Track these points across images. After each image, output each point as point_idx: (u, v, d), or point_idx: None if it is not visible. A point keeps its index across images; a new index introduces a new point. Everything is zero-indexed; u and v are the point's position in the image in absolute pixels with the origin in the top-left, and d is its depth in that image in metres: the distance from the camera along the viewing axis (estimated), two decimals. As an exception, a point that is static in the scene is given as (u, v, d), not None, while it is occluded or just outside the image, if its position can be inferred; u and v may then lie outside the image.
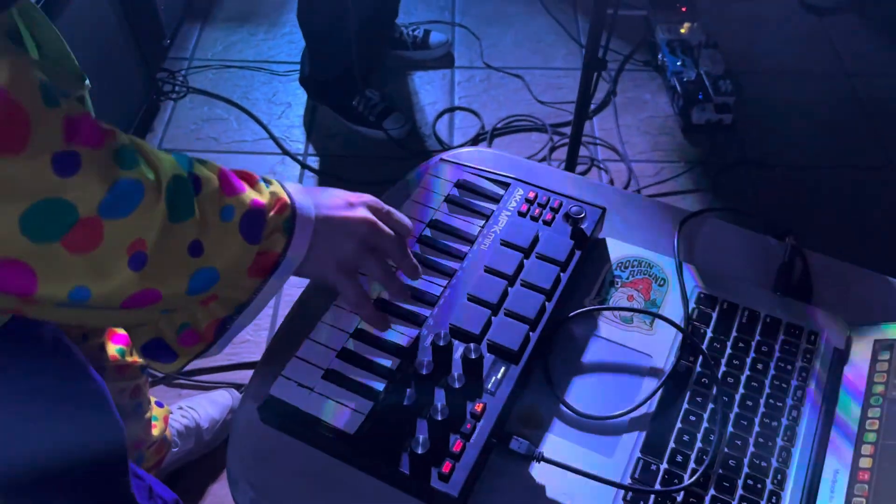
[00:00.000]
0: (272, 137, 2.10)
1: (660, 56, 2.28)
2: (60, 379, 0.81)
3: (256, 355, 1.60)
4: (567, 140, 2.12)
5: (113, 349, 1.08)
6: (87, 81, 0.69)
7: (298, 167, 2.03)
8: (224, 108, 2.19)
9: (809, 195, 2.00)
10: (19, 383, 0.75)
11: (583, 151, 2.06)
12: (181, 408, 1.47)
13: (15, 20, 0.58)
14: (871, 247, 1.86)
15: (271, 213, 0.62)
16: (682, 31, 2.28)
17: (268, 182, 0.65)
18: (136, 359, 1.13)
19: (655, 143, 2.13)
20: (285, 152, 2.06)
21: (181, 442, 1.42)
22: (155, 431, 1.30)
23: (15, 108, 0.46)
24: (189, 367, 1.24)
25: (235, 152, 2.07)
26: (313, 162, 2.05)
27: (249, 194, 0.61)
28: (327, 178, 2.01)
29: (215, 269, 0.58)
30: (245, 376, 1.59)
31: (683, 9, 2.35)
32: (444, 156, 0.91)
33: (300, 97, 2.22)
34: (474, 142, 2.12)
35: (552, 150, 2.11)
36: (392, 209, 0.74)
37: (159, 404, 1.37)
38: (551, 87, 2.28)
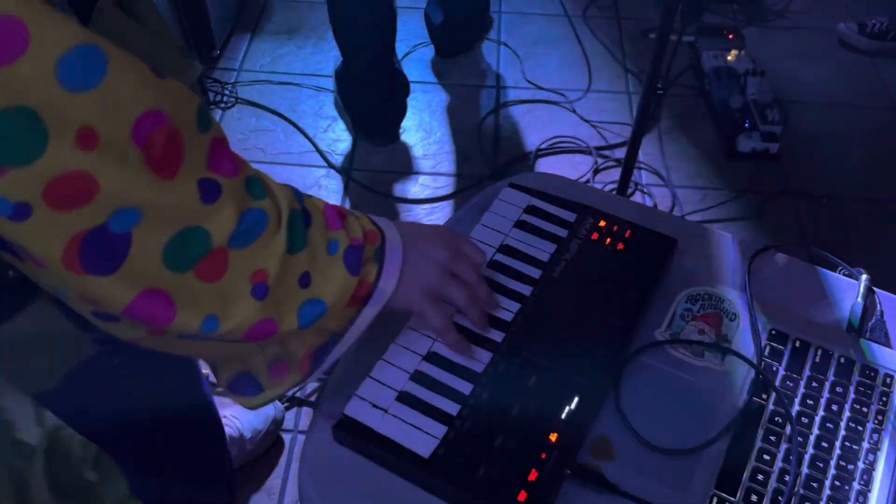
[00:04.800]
0: (318, 150, 2.12)
1: (706, 82, 2.28)
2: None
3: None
4: (610, 163, 2.13)
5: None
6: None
7: (342, 181, 2.05)
8: (271, 120, 2.21)
9: (856, 228, 1.98)
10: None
11: (627, 175, 2.05)
12: (225, 416, 1.48)
13: None
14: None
15: (367, 244, 0.63)
16: (729, 58, 2.27)
17: (356, 215, 0.66)
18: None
19: (700, 169, 2.12)
20: (331, 165, 2.08)
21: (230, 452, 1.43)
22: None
23: (176, 134, 0.47)
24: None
25: (282, 163, 2.09)
26: (358, 176, 2.07)
27: (349, 228, 0.62)
28: (371, 193, 2.02)
29: (323, 302, 0.59)
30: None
31: (731, 36, 2.35)
32: (514, 180, 0.92)
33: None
34: (518, 161, 2.13)
35: (596, 172, 2.11)
36: (466, 238, 0.75)
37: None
38: (595, 110, 2.28)
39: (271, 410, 1.55)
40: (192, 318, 0.51)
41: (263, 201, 0.54)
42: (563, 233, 0.85)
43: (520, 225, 0.86)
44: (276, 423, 1.54)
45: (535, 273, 0.81)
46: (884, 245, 1.93)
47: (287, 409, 1.59)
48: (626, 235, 0.84)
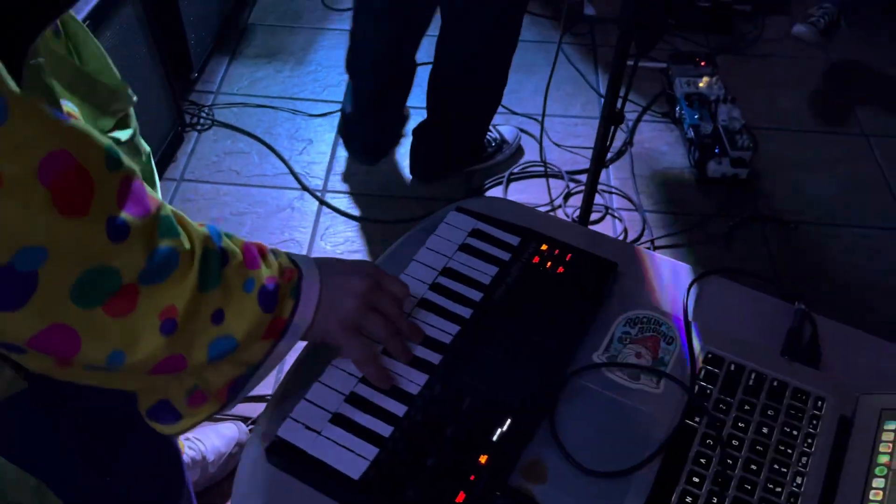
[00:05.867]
0: (292, 173, 2.14)
1: (678, 108, 2.31)
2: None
3: (265, 388, 1.61)
4: (582, 187, 2.15)
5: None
6: (131, 93, 0.72)
7: (317, 203, 2.06)
8: (247, 142, 2.23)
9: (823, 254, 2.00)
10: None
11: (598, 199, 2.07)
12: (188, 439, 1.48)
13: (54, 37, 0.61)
14: (885, 311, 1.86)
15: (283, 281, 0.64)
16: (701, 85, 2.31)
17: (276, 253, 0.67)
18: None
19: (670, 194, 2.15)
20: (304, 188, 2.10)
21: (187, 473, 1.42)
22: (161, 462, 1.31)
23: (82, 174, 0.48)
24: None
25: (256, 186, 2.11)
26: (332, 198, 2.08)
27: (267, 266, 0.63)
28: (345, 215, 2.03)
29: (234, 339, 0.60)
30: (252, 409, 1.60)
31: (703, 63, 2.39)
32: (461, 204, 0.93)
33: (321, 134, 2.27)
34: (492, 185, 2.15)
35: (567, 196, 2.13)
36: (389, 274, 0.76)
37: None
38: (569, 135, 2.31)
39: (235, 433, 1.54)
40: (98, 351, 0.52)
41: (175, 240, 0.55)
42: (505, 256, 0.86)
43: (464, 248, 0.87)
44: (240, 446, 1.53)
45: (476, 296, 0.82)
46: (845, 270, 1.96)
47: (251, 431, 1.59)
48: (567, 259, 0.85)
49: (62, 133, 0.47)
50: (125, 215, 0.51)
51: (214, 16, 2.47)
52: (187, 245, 0.56)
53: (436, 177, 2.13)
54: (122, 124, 0.81)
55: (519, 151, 2.24)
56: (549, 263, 0.85)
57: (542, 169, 2.19)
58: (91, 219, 0.48)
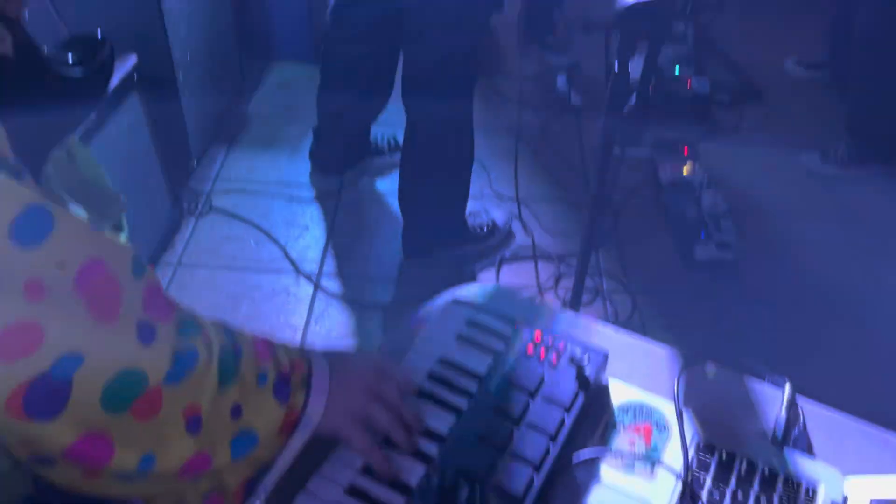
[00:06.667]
0: (288, 258, 2.17)
1: (663, 194, 2.38)
2: None
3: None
4: (573, 269, 2.19)
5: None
6: (124, 198, 0.76)
7: (312, 287, 2.09)
8: (244, 228, 2.28)
9: (810, 338, 2.03)
10: None
11: (588, 282, 2.11)
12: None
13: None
14: (872, 393, 1.87)
15: (294, 374, 0.67)
16: (685, 171, 2.39)
17: (285, 346, 0.70)
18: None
19: (659, 277, 2.19)
20: (300, 273, 2.13)
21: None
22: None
23: (114, 282, 0.51)
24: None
25: (252, 271, 2.14)
26: (327, 282, 2.11)
27: (277, 359, 0.66)
28: (341, 299, 2.06)
29: (254, 433, 0.62)
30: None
31: (686, 151, 2.48)
32: (456, 296, 0.96)
33: (317, 219, 2.32)
34: (486, 268, 2.19)
35: (558, 279, 2.17)
36: (394, 366, 0.79)
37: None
38: (558, 219, 2.37)
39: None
40: (130, 457, 0.54)
41: (196, 339, 0.57)
42: (500, 346, 0.88)
43: (459, 339, 0.89)
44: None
45: (472, 386, 0.84)
46: (835, 349, 1.98)
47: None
48: (560, 348, 0.88)
49: (97, 243, 0.50)
50: (151, 319, 0.53)
51: (214, 105, 2.56)
52: (204, 344, 0.58)
53: (426, 253, 2.19)
54: (116, 228, 0.85)
55: (510, 235, 2.30)
56: (542, 352, 0.87)
57: (531, 252, 2.24)
58: (122, 324, 0.51)
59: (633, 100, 1.25)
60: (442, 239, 2.20)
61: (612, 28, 1.26)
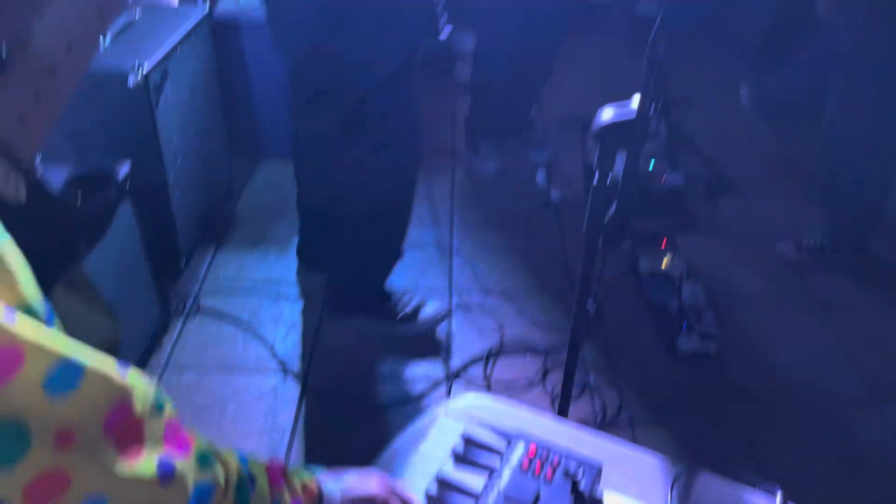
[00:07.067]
0: (276, 358, 2.18)
1: (644, 287, 2.44)
2: None
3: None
4: (560, 363, 2.21)
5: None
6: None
7: (299, 387, 2.09)
8: (231, 328, 2.28)
9: (795, 429, 2.04)
10: None
11: (576, 377, 2.13)
12: None
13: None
14: (861, 484, 1.88)
15: (306, 499, 0.69)
16: (663, 265, 2.45)
17: (296, 471, 0.72)
18: None
19: (644, 370, 2.22)
20: (287, 373, 2.13)
21: None
22: None
23: (138, 421, 0.53)
24: None
25: (239, 370, 2.13)
26: (315, 381, 2.11)
27: (290, 485, 0.68)
28: (329, 397, 2.05)
29: None
30: None
31: (664, 243, 2.55)
32: (449, 412, 0.98)
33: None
34: (473, 364, 2.20)
35: (546, 373, 2.18)
36: (399, 484, 0.81)
37: None
38: (545, 311, 2.41)
39: None
40: None
41: (213, 470, 0.59)
42: (495, 462, 0.90)
43: (454, 456, 0.91)
44: None
45: (470, 502, 0.85)
46: (823, 445, 1.99)
47: None
48: (555, 462, 0.89)
49: (123, 386, 0.52)
50: (171, 456, 0.55)
51: (203, 206, 2.60)
52: (221, 475, 0.60)
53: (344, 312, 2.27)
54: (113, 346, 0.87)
55: (432, 324, 2.29)
56: (538, 467, 0.89)
57: (520, 345, 2.26)
58: (144, 462, 0.53)
59: (613, 208, 1.30)
60: (359, 303, 2.25)
61: (591, 138, 1.33)
